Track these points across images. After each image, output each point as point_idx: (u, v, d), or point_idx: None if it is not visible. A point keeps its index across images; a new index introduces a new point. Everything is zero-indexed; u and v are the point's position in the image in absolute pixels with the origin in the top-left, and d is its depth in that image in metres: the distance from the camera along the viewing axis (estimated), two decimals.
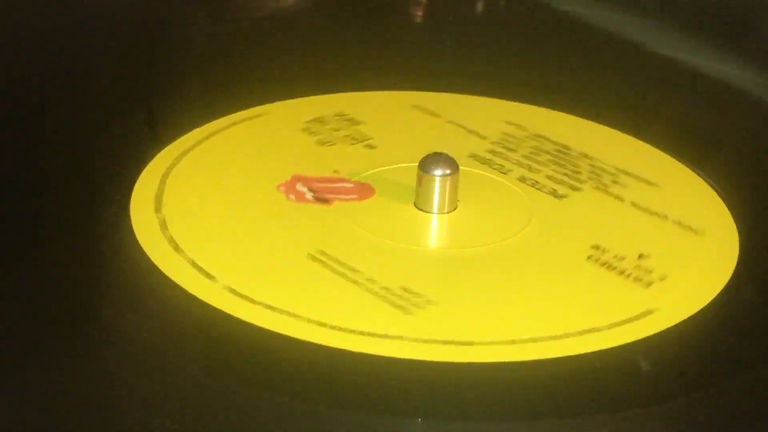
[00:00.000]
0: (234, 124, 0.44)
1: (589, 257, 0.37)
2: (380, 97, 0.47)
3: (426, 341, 0.33)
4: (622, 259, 0.37)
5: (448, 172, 0.38)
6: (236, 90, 0.46)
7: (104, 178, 0.40)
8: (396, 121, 0.45)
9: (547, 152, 0.43)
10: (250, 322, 0.33)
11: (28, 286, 0.34)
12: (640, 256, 0.37)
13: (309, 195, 0.38)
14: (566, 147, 0.43)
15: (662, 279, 0.36)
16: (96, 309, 0.34)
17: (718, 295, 0.36)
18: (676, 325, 0.34)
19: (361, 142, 0.43)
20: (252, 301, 0.34)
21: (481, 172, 0.41)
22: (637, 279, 0.36)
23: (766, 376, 0.33)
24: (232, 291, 0.34)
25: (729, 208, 0.40)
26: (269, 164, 0.41)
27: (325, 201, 0.38)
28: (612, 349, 0.33)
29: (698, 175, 0.42)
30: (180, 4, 0.55)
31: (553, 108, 0.46)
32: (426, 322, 0.34)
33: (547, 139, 0.44)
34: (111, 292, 0.35)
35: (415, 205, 0.39)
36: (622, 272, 0.37)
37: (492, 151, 0.43)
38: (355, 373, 0.32)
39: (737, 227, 0.39)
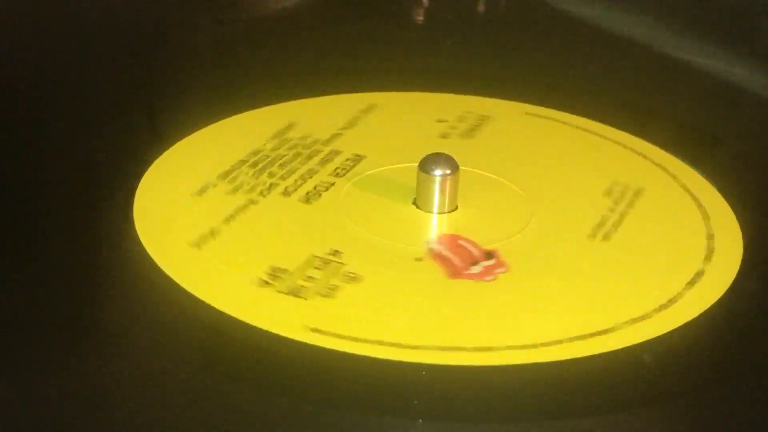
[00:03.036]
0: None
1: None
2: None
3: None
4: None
5: (448, 172, 0.38)
6: (240, 90, 0.46)
7: (108, 178, 0.40)
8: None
9: None
10: (254, 325, 0.33)
11: (30, 286, 0.34)
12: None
13: (481, 266, 0.37)
14: None
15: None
16: (98, 309, 0.34)
17: (722, 296, 0.36)
18: (679, 327, 0.34)
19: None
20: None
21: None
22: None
23: None
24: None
25: (732, 209, 0.40)
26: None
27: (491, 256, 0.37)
28: (615, 351, 0.33)
29: (700, 174, 0.42)
30: (182, 4, 0.55)
31: (555, 108, 0.46)
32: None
33: None
34: (113, 292, 0.35)
35: (415, 204, 0.39)
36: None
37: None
38: (349, 374, 0.32)
39: (740, 227, 0.39)
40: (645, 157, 0.43)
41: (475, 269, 0.36)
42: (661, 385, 0.32)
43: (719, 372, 0.33)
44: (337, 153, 0.42)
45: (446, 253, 0.37)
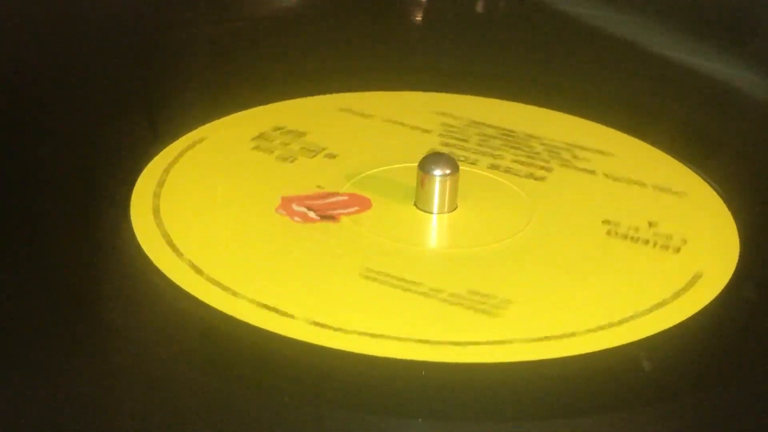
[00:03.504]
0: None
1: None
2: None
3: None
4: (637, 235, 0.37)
5: (448, 172, 0.38)
6: (238, 90, 0.46)
7: (105, 178, 0.40)
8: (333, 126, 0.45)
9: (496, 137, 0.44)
10: (247, 322, 0.33)
11: (27, 285, 0.34)
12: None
13: (313, 214, 0.38)
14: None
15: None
16: (95, 309, 0.34)
17: (718, 295, 0.36)
18: (675, 325, 0.34)
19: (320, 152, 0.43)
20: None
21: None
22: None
23: (765, 376, 0.33)
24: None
25: (729, 209, 0.40)
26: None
27: (332, 218, 0.38)
28: (615, 348, 0.33)
29: (699, 175, 0.42)
30: (180, 4, 0.55)
31: (553, 108, 0.46)
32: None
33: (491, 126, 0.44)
34: (110, 291, 0.35)
35: (415, 205, 0.39)
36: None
37: (446, 144, 0.43)
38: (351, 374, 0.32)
39: (737, 227, 0.39)
40: (644, 156, 0.43)
41: (301, 209, 0.38)
42: (654, 385, 0.32)
43: (714, 371, 0.33)
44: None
45: (330, 197, 0.39)
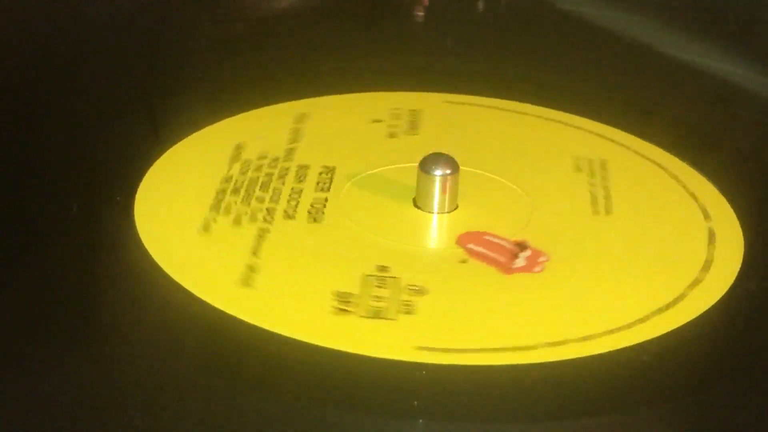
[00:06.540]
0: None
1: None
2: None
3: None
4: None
5: (448, 172, 0.38)
6: (241, 90, 0.46)
7: (109, 179, 0.40)
8: None
9: None
10: (252, 323, 0.33)
11: (31, 287, 0.34)
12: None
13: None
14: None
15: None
16: (100, 311, 0.34)
17: (724, 295, 0.36)
18: (681, 327, 0.34)
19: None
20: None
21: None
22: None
23: None
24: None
25: (733, 209, 0.40)
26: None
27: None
28: (615, 351, 0.33)
29: (701, 174, 0.42)
30: (181, 5, 0.55)
31: (554, 108, 0.46)
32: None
33: None
34: (113, 291, 0.35)
35: (415, 205, 0.39)
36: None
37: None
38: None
39: (741, 228, 0.39)
40: (644, 156, 0.43)
41: (520, 263, 0.36)
42: (663, 386, 0.32)
43: (720, 372, 0.33)
44: (305, 168, 0.41)
45: (484, 251, 0.37)
